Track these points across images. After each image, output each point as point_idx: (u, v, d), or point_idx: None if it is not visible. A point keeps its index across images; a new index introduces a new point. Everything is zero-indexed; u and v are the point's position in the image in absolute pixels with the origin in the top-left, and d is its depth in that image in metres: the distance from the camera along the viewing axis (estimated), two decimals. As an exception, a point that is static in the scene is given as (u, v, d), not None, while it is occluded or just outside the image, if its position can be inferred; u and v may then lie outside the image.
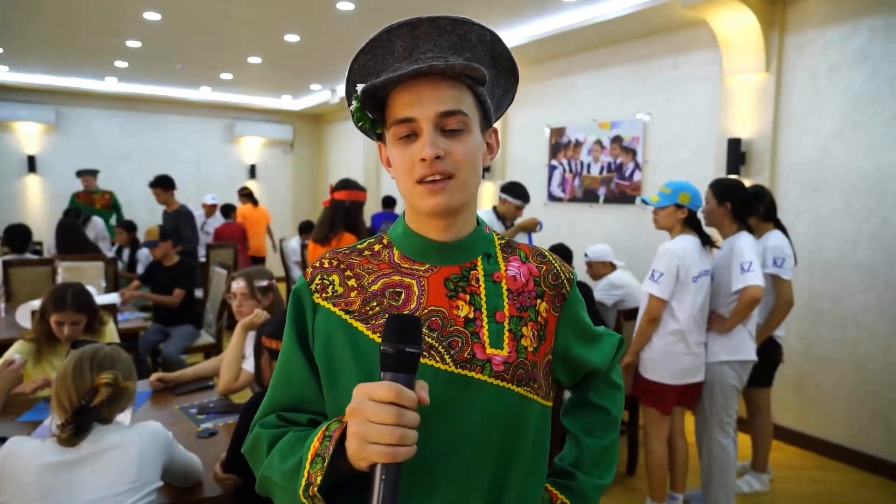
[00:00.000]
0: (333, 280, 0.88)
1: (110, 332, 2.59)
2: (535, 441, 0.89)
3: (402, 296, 0.85)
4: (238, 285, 2.51)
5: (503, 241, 0.95)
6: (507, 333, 0.85)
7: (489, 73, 0.86)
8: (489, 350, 0.83)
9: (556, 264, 0.95)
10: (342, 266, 0.89)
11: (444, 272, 0.86)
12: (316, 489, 0.70)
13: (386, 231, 0.94)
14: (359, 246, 0.92)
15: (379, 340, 0.81)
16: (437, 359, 0.81)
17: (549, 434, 0.93)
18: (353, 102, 0.85)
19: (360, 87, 0.82)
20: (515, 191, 4.03)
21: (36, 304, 3.34)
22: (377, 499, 0.64)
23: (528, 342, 0.87)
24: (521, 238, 4.11)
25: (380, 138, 0.90)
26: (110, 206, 6.97)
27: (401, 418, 0.66)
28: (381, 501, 0.65)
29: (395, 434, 0.65)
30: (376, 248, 0.91)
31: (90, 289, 3.61)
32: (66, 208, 6.44)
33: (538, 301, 0.90)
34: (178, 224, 5.43)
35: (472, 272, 0.87)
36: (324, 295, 0.87)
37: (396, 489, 0.65)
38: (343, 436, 0.71)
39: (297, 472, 0.75)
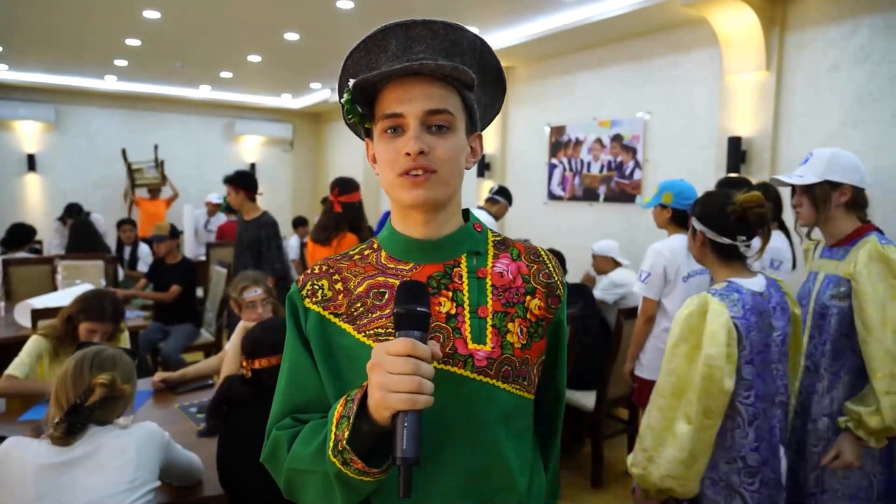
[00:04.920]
0: (322, 285, 0.91)
1: (124, 340, 2.60)
2: (524, 436, 0.91)
3: (386, 296, 0.87)
4: (256, 293, 2.49)
5: (498, 239, 0.96)
6: (490, 329, 0.86)
7: (477, 79, 0.88)
8: (471, 345, 0.84)
9: (549, 265, 0.95)
10: (331, 271, 0.92)
11: (426, 270, 0.88)
12: (345, 443, 0.73)
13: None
14: (350, 252, 0.96)
15: (365, 340, 0.85)
16: None
17: (532, 426, 0.95)
18: (345, 95, 0.87)
19: (352, 81, 0.83)
20: (506, 194, 4.56)
21: (34, 302, 3.35)
22: (401, 445, 0.69)
23: (514, 338, 0.87)
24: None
25: (367, 135, 0.92)
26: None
27: (417, 368, 0.70)
28: (406, 446, 0.69)
29: (413, 382, 0.69)
30: (366, 252, 0.94)
31: (90, 287, 3.61)
32: (69, 204, 6.43)
33: (528, 298, 0.90)
34: (260, 237, 3.90)
35: (455, 269, 0.89)
36: (314, 299, 0.90)
37: (418, 436, 0.70)
38: (364, 398, 0.74)
39: (323, 450, 0.77)
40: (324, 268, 0.93)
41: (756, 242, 1.69)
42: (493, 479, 0.86)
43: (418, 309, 0.73)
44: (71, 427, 1.44)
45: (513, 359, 0.86)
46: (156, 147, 8.41)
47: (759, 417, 1.58)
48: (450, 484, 0.83)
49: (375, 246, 0.94)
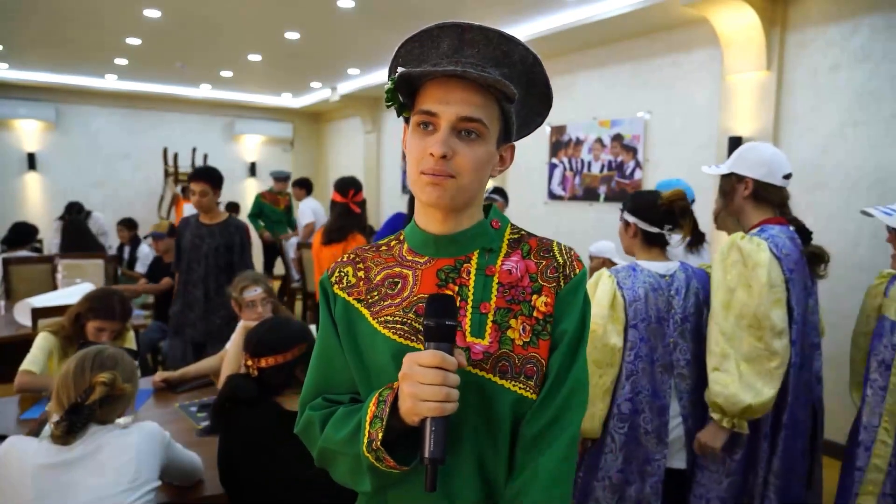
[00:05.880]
0: (347, 272, 0.98)
1: (130, 339, 2.61)
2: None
3: (399, 285, 0.93)
4: (256, 293, 2.49)
5: (514, 237, 0.97)
6: (490, 324, 0.89)
7: (520, 93, 0.91)
8: (469, 339, 0.88)
9: (560, 258, 0.94)
10: (357, 259, 1.00)
11: (438, 264, 0.93)
12: (379, 443, 0.80)
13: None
14: (380, 242, 1.02)
15: (378, 327, 0.91)
16: (419, 342, 0.88)
17: None
18: (389, 83, 0.90)
19: (400, 69, 0.87)
20: (502, 193, 4.74)
21: (34, 301, 3.34)
22: (429, 447, 0.76)
23: (515, 335, 0.88)
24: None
25: (406, 121, 0.95)
26: (290, 207, 7.49)
27: (446, 379, 0.77)
28: (434, 447, 0.76)
29: (441, 392, 0.76)
30: (392, 243, 1.00)
31: (90, 286, 3.61)
32: (69, 203, 6.43)
33: (534, 296, 0.91)
34: (232, 243, 3.34)
35: (464, 265, 0.92)
36: (340, 286, 0.97)
37: (444, 438, 0.77)
38: (395, 399, 0.81)
39: (354, 438, 0.85)
40: (351, 256, 1.00)
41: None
42: (493, 470, 0.89)
43: (447, 322, 0.79)
44: (71, 426, 1.44)
45: (512, 355, 0.87)
46: (194, 150, 8.66)
47: (635, 374, 1.84)
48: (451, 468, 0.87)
49: (401, 238, 1.00)
